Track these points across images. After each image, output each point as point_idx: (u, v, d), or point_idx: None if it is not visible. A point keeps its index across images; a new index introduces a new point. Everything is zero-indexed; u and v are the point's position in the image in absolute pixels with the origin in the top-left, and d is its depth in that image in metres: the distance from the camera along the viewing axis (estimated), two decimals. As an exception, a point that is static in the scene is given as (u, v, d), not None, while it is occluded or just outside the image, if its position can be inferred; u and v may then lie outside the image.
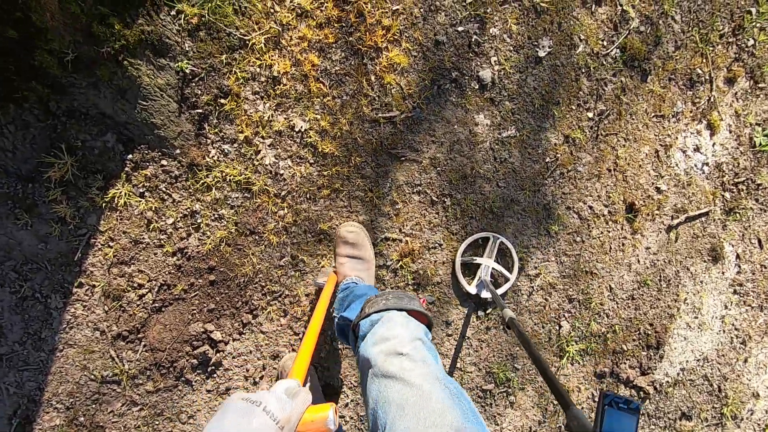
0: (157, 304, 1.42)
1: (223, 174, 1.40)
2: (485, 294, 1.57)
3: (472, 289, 1.57)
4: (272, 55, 1.37)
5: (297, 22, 1.36)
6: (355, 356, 1.01)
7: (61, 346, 1.40)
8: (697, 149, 1.69)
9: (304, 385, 0.63)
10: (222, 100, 1.37)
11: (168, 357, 1.43)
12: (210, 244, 1.42)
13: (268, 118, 1.39)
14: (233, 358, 1.49)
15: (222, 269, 1.44)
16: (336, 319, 1.18)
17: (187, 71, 1.32)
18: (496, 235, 1.59)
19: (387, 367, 0.80)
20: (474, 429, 0.69)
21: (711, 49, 1.60)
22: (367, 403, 0.83)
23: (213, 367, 1.48)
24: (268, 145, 1.38)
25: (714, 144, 1.70)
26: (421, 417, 0.70)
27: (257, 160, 1.41)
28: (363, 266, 1.37)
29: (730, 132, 1.71)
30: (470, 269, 1.61)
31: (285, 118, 1.39)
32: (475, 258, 1.57)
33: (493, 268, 1.58)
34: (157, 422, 1.46)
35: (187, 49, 1.31)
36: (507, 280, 1.61)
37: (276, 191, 1.44)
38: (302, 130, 1.41)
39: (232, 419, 0.52)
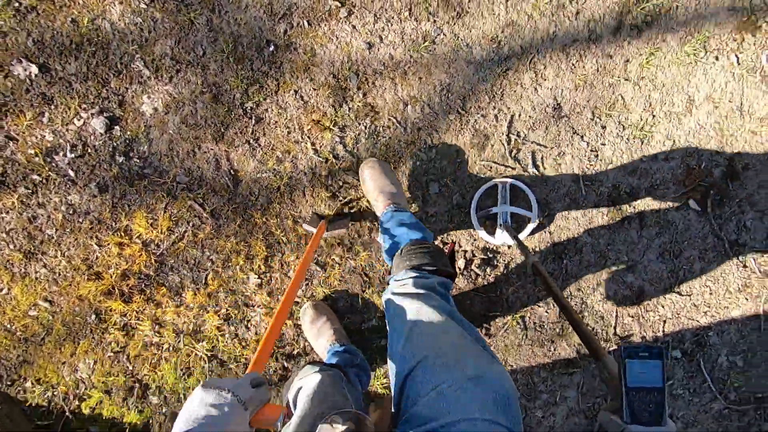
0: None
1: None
2: (510, 241, 1.53)
3: (495, 240, 1.53)
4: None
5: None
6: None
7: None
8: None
9: (263, 375, 0.75)
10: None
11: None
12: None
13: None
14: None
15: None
16: (385, 243, 1.26)
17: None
18: (502, 180, 1.51)
19: (403, 295, 0.96)
20: (471, 339, 0.80)
21: None
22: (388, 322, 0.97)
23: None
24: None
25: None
26: (427, 328, 0.83)
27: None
28: (395, 193, 1.42)
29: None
30: (492, 223, 1.56)
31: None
32: (491, 209, 1.52)
33: (511, 213, 1.52)
34: None
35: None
36: (529, 221, 1.54)
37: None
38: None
39: (204, 402, 0.61)
